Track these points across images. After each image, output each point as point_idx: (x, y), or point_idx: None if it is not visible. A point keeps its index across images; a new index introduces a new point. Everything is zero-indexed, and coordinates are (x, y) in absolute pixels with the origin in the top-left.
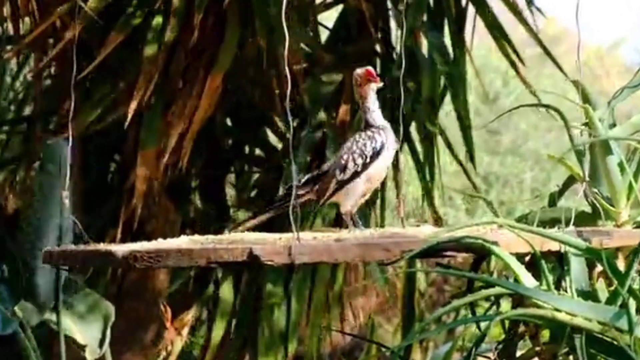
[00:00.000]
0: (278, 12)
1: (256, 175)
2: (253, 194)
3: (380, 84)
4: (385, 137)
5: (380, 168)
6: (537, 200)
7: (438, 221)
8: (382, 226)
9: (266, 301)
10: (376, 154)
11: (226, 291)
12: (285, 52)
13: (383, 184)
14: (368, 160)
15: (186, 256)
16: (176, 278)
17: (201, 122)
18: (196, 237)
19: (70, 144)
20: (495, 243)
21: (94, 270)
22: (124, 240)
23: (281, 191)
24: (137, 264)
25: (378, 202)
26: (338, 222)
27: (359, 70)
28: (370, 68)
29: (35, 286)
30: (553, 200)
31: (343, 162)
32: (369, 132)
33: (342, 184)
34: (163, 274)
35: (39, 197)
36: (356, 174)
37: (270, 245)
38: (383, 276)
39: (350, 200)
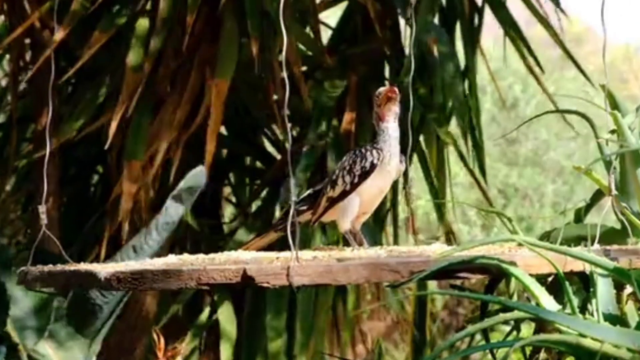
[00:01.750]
0: (275, 11)
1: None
2: (252, 209)
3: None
4: (379, 157)
5: (373, 189)
6: (559, 216)
7: (450, 238)
8: (396, 244)
9: (267, 326)
10: (365, 173)
11: (225, 316)
12: (284, 53)
13: (395, 199)
14: (356, 179)
15: (174, 277)
16: (166, 302)
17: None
18: (186, 256)
19: (47, 153)
20: (513, 263)
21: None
22: (106, 261)
23: (279, 209)
24: (120, 285)
25: (389, 219)
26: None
27: (381, 89)
28: (393, 90)
29: (99, 312)
30: (579, 216)
31: (334, 178)
32: (363, 150)
33: (332, 202)
34: (150, 297)
35: (155, 224)
36: (345, 193)
37: (266, 266)
38: (394, 298)
39: (346, 219)
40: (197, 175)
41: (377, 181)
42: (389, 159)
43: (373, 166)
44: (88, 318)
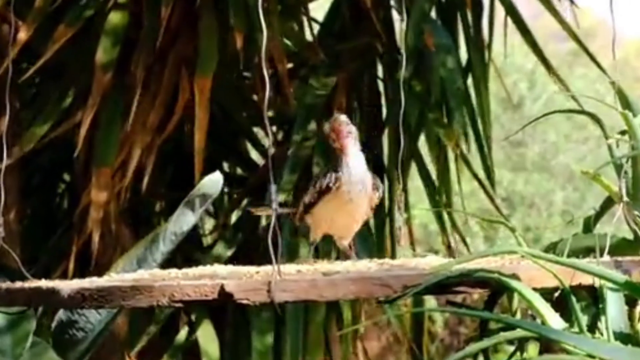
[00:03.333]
0: (256, 3)
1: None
2: (232, 219)
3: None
4: (336, 183)
5: (328, 213)
6: (569, 226)
7: (451, 251)
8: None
9: (253, 346)
10: (320, 193)
11: (206, 336)
12: (263, 49)
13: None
14: (316, 195)
15: (145, 294)
16: (138, 320)
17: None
18: (157, 270)
19: (4, 161)
20: (514, 277)
21: (42, 313)
22: (75, 277)
23: (264, 220)
24: (85, 303)
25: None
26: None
27: (327, 127)
28: (340, 122)
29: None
30: (588, 226)
31: (310, 185)
32: (328, 170)
33: (305, 209)
34: (122, 317)
35: (162, 234)
36: (310, 205)
37: (245, 281)
38: (387, 316)
39: (314, 231)
40: (213, 182)
41: (331, 206)
42: (349, 187)
43: (328, 189)
44: (76, 343)
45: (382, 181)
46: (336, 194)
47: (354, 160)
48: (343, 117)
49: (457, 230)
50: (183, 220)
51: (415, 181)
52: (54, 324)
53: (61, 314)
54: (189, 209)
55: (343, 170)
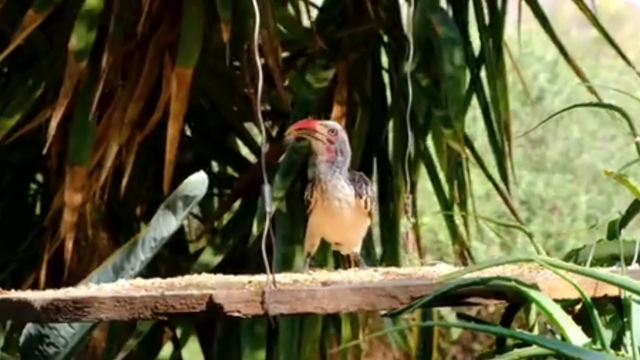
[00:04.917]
0: None
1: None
2: (222, 223)
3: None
4: (312, 196)
5: (318, 223)
6: (593, 232)
7: (463, 259)
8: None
9: None
10: (307, 204)
11: (191, 352)
12: (255, 35)
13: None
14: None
15: (125, 306)
16: (118, 335)
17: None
18: (139, 280)
19: None
20: (534, 286)
21: (11, 327)
22: (48, 287)
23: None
24: (59, 316)
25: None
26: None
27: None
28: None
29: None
30: (613, 231)
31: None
32: (311, 180)
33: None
34: (99, 329)
35: (141, 240)
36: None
37: (236, 291)
38: (393, 330)
39: (308, 241)
40: (196, 183)
41: (319, 217)
42: (325, 204)
43: (308, 202)
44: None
45: (387, 182)
46: (316, 207)
47: (328, 176)
48: (331, 124)
49: (469, 237)
50: (164, 224)
51: (423, 182)
52: (21, 339)
53: (30, 328)
54: (170, 212)
55: (317, 189)
